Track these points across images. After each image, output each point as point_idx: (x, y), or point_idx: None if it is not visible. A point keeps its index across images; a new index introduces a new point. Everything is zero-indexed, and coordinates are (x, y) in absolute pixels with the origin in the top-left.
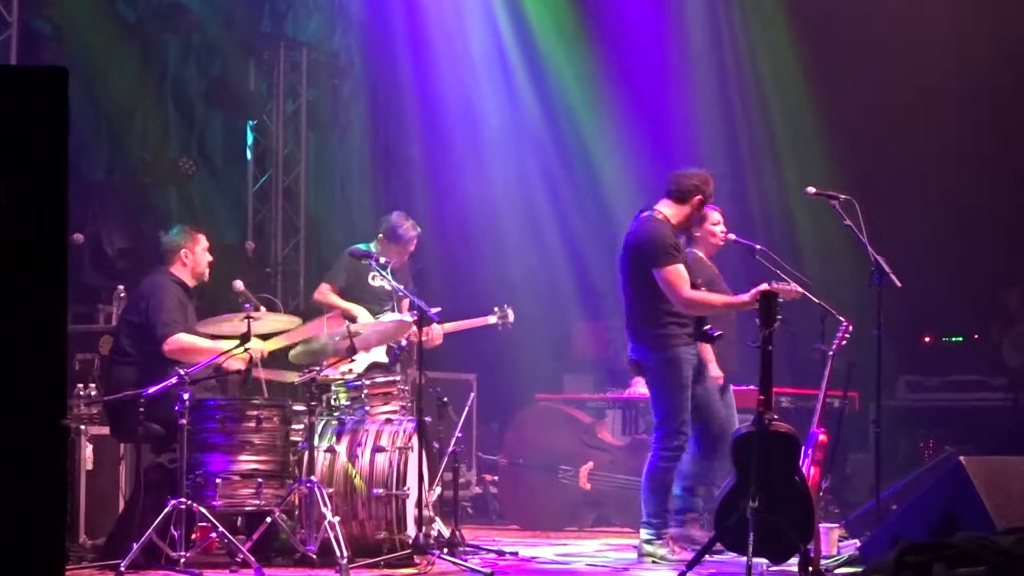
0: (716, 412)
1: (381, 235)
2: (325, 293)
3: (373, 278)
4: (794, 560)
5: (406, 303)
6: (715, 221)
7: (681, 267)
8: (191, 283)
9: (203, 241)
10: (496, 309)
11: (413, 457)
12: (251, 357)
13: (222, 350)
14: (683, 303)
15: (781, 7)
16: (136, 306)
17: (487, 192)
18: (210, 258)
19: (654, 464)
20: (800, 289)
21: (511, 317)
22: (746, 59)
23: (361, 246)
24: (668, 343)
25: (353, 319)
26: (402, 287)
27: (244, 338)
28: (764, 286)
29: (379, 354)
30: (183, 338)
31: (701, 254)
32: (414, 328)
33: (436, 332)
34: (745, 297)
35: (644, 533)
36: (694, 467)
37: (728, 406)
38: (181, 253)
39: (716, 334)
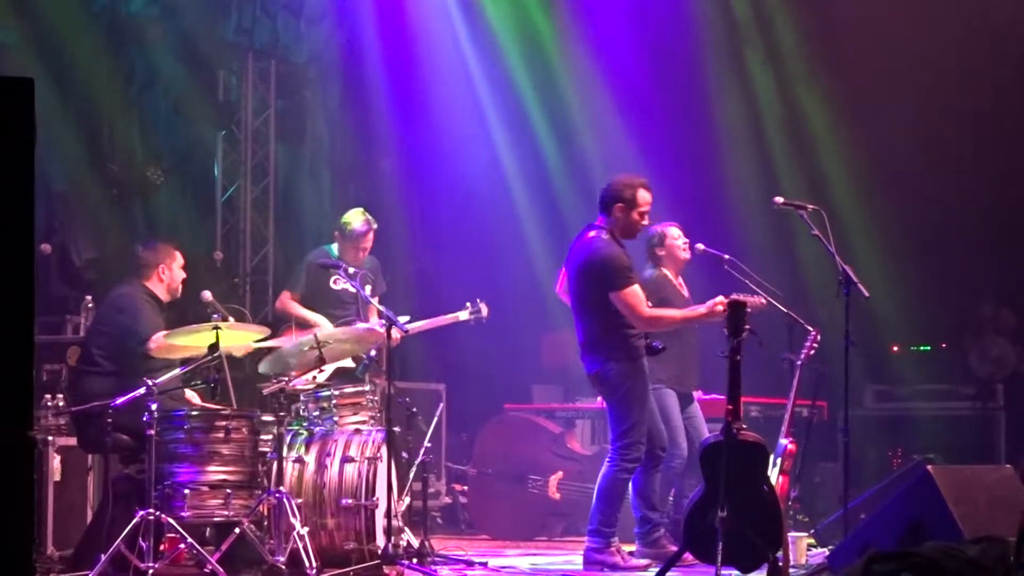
0: (657, 426)
1: (337, 232)
2: (286, 302)
3: (335, 282)
4: (763, 569)
5: (374, 307)
6: (675, 236)
7: (636, 287)
8: (164, 298)
9: (179, 258)
10: (468, 304)
11: (382, 467)
12: (220, 368)
13: (203, 350)
14: (644, 323)
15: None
16: (109, 317)
17: (456, 204)
18: (184, 275)
19: (612, 475)
20: (764, 299)
21: (484, 312)
22: (728, 58)
23: (325, 249)
24: (632, 354)
25: (312, 327)
26: (370, 296)
27: (212, 348)
28: (721, 298)
29: (345, 360)
30: (166, 338)
31: (668, 272)
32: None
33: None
34: (701, 309)
35: (593, 542)
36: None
37: (694, 416)
38: (159, 269)
39: (659, 347)
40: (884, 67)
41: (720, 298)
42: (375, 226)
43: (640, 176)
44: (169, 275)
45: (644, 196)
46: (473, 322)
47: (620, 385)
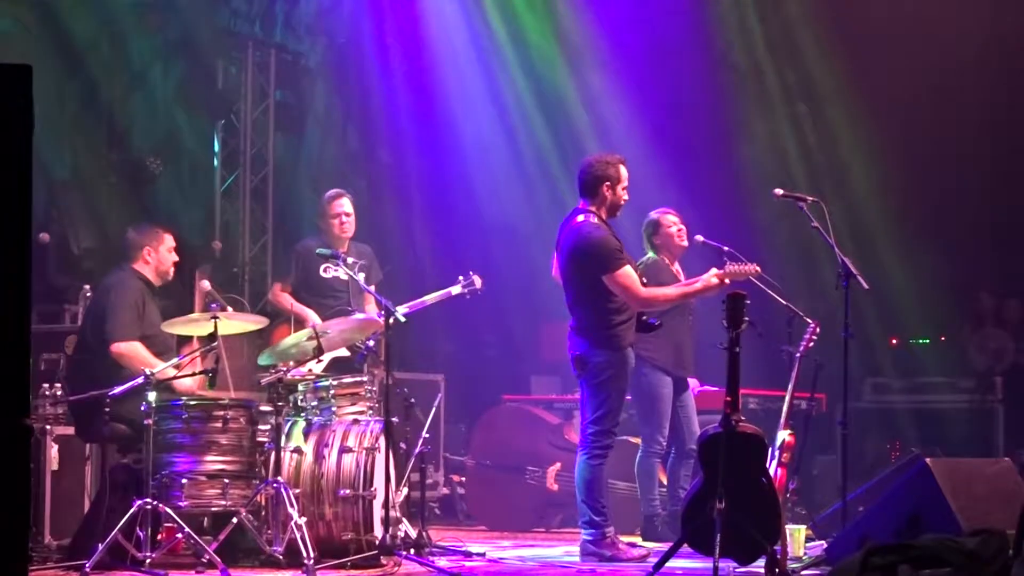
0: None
1: (318, 219)
2: (278, 294)
3: (325, 270)
4: (761, 561)
5: (369, 295)
6: (669, 223)
7: (629, 268)
8: (155, 281)
9: (169, 240)
10: (461, 278)
11: (380, 458)
12: (219, 357)
13: (165, 367)
14: (639, 302)
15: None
16: (98, 302)
17: (454, 196)
18: (175, 258)
19: (584, 463)
20: (756, 268)
21: (478, 284)
22: (735, 44)
23: (315, 239)
24: (619, 343)
25: (304, 321)
26: (365, 283)
27: (211, 338)
28: (714, 271)
29: (341, 349)
30: (133, 346)
31: (666, 259)
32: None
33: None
34: (697, 284)
35: (588, 534)
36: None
37: (686, 405)
38: (144, 251)
39: (655, 323)
40: (889, 70)
41: (714, 271)
42: (347, 194)
43: (613, 153)
44: (155, 257)
45: (624, 172)
46: (468, 295)
47: (600, 372)
